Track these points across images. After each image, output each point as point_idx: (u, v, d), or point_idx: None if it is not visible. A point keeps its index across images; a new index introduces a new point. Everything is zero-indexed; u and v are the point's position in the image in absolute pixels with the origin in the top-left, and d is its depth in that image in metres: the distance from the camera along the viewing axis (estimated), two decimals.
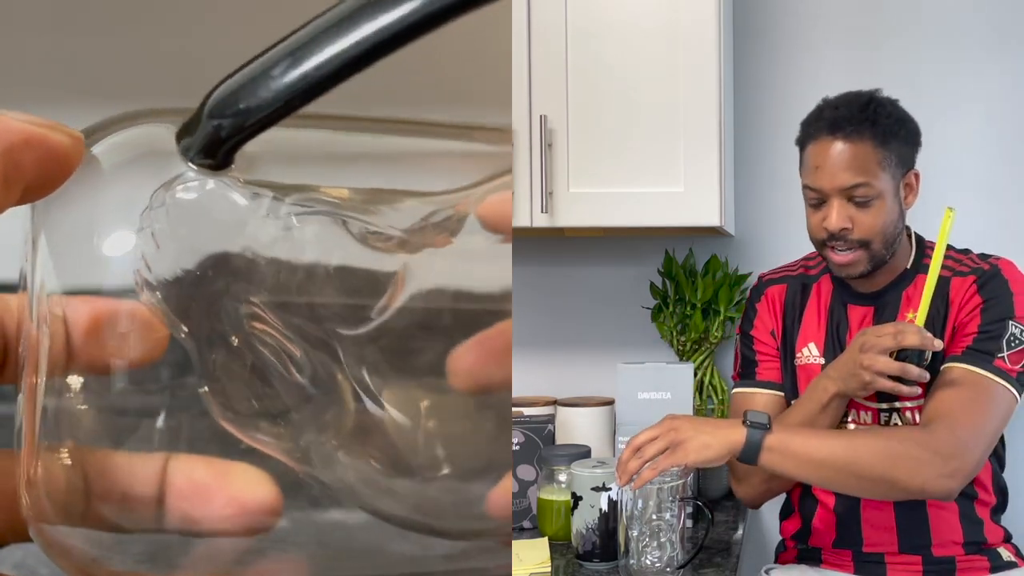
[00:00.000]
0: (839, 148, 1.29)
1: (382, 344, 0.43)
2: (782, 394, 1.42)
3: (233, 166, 0.41)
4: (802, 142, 1.36)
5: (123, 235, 0.41)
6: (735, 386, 1.47)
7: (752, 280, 1.77)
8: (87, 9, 1.28)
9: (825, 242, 1.32)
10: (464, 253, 0.44)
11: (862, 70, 1.76)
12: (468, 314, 0.43)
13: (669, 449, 1.18)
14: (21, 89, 1.72)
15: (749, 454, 1.19)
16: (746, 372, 1.45)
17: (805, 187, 1.34)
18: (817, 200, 1.32)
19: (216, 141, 0.40)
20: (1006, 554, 1.40)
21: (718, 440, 1.19)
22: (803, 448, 1.20)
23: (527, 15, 1.54)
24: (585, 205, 1.55)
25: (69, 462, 0.41)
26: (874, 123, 1.29)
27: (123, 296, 0.41)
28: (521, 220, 1.54)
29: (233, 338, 0.42)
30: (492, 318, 0.43)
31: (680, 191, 1.53)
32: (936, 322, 1.33)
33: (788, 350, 1.43)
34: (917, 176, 1.36)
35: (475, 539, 0.45)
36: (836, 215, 1.29)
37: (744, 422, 1.20)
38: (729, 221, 1.67)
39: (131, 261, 0.41)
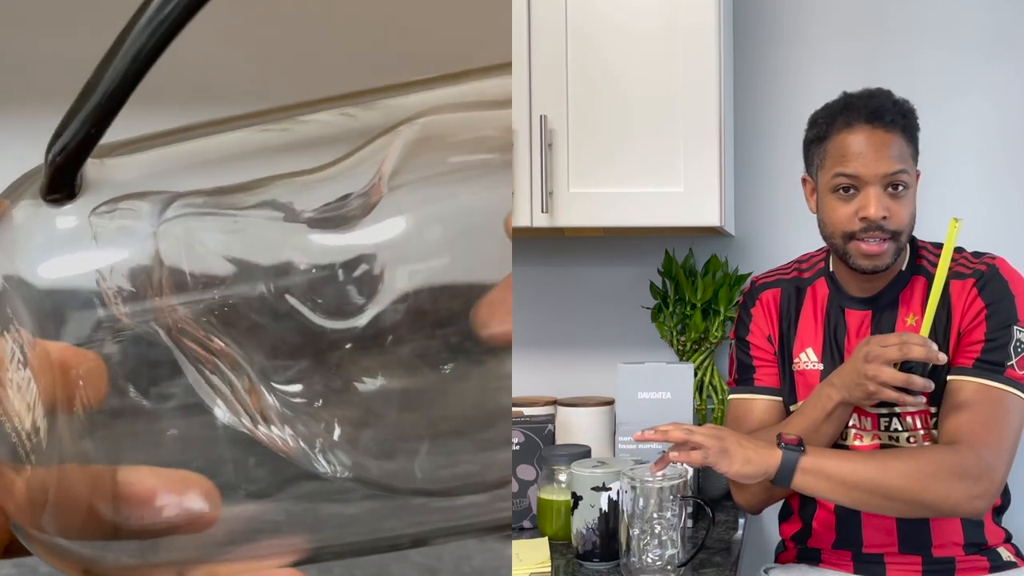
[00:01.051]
0: (880, 135, 1.29)
1: (362, 337, 0.45)
2: (780, 399, 1.42)
3: (80, 192, 0.46)
4: (826, 133, 1.34)
5: (54, 262, 0.46)
6: (732, 392, 1.47)
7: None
8: (90, 11, 1.29)
9: (855, 234, 1.31)
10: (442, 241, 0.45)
11: (862, 70, 1.77)
12: (453, 298, 0.45)
13: (716, 451, 1.19)
14: (25, 92, 1.72)
15: (784, 476, 1.21)
16: (743, 378, 1.45)
17: (838, 175, 1.31)
18: (848, 188, 1.30)
19: (54, 176, 0.46)
20: (1006, 554, 1.40)
21: (759, 457, 1.20)
22: (836, 471, 1.22)
23: (527, 15, 1.54)
24: (585, 205, 1.55)
25: (47, 479, 0.44)
26: (904, 116, 1.31)
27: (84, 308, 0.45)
28: (521, 220, 1.54)
29: (176, 343, 0.45)
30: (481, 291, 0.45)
31: (680, 191, 1.53)
32: (938, 326, 1.33)
33: (785, 355, 1.43)
34: (918, 176, 1.37)
35: (468, 495, 0.46)
36: (876, 203, 1.28)
37: (779, 444, 1.22)
38: (729, 221, 1.67)
39: (75, 286, 0.46)
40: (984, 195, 1.77)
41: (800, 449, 1.21)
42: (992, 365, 1.28)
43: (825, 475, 1.21)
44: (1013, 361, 1.28)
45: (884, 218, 1.29)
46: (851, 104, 1.33)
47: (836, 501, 1.28)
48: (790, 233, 1.79)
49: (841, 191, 1.31)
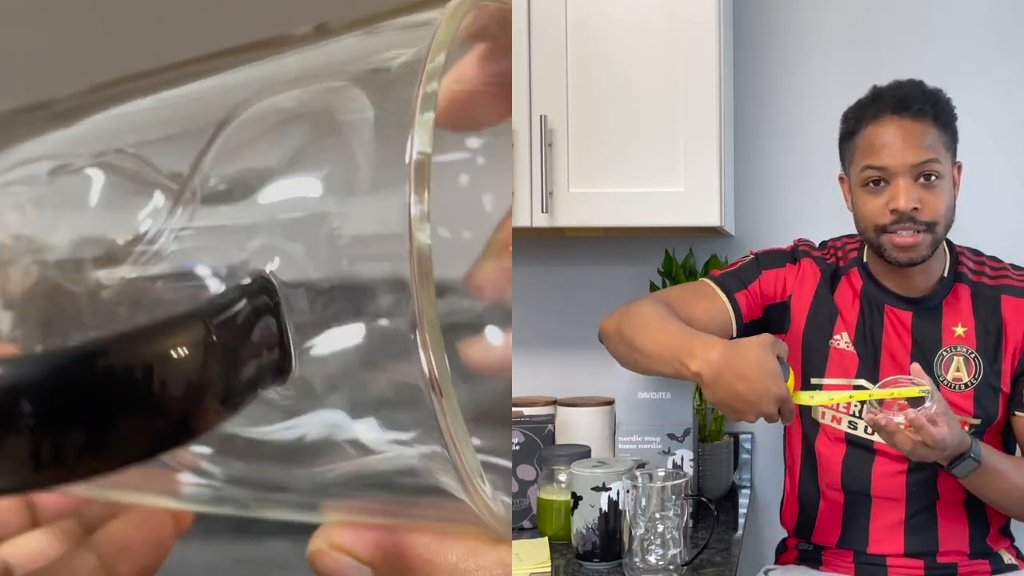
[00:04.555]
0: (908, 125, 1.28)
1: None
2: (733, 323, 1.37)
3: None
4: (855, 127, 1.33)
5: None
6: (709, 278, 1.42)
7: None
8: (78, 4, 1.28)
9: (887, 227, 1.29)
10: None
11: (863, 70, 1.76)
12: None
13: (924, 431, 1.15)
14: (18, 86, 1.71)
15: (963, 465, 1.22)
16: (727, 282, 1.40)
17: (867, 167, 1.30)
18: (878, 181, 1.29)
19: None
20: (1007, 556, 1.40)
21: (953, 439, 1.18)
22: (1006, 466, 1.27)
23: (527, 14, 1.54)
24: (585, 205, 1.55)
25: None
26: (935, 105, 1.30)
27: None
28: (521, 220, 1.54)
29: None
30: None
31: (680, 191, 1.53)
32: (988, 338, 1.33)
33: (820, 330, 1.39)
34: (960, 169, 1.35)
35: None
36: (905, 194, 1.27)
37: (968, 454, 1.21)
38: (729, 221, 1.67)
39: None
40: (989, 193, 1.77)
41: (978, 461, 1.22)
42: None
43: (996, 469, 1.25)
44: None
45: (915, 209, 1.27)
46: (879, 96, 1.32)
47: (991, 494, 1.30)
48: (790, 233, 1.78)
49: (871, 184, 1.30)
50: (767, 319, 1.40)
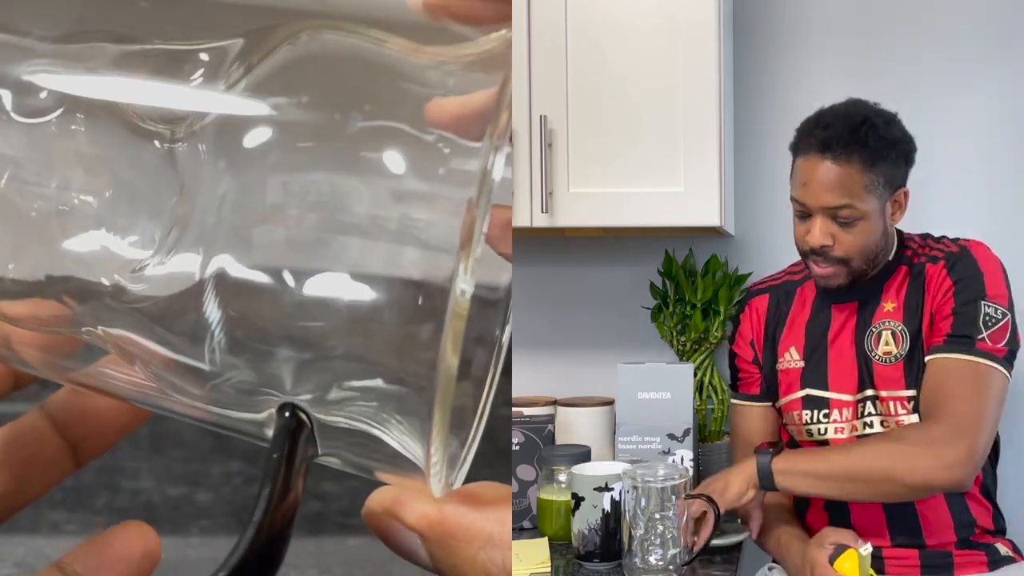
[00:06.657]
0: (827, 168, 1.30)
1: None
2: (762, 404, 1.48)
3: None
4: (794, 152, 1.37)
5: None
6: (731, 396, 1.54)
7: (753, 279, 1.77)
8: None
9: (807, 254, 1.36)
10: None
11: (862, 70, 1.76)
12: None
13: (704, 518, 1.26)
14: None
15: (765, 480, 1.27)
16: (732, 384, 1.53)
17: (792, 198, 1.36)
18: (803, 213, 1.34)
19: None
20: (1003, 549, 1.40)
21: (737, 476, 1.28)
22: (808, 465, 1.28)
23: (527, 15, 1.54)
24: (585, 205, 1.55)
25: None
26: (863, 146, 1.29)
27: None
28: (521, 220, 1.54)
29: None
30: None
31: (680, 191, 1.53)
32: (913, 310, 1.35)
33: (771, 356, 1.46)
34: (906, 194, 1.37)
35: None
36: (818, 232, 1.32)
37: (755, 451, 1.30)
38: (729, 221, 1.67)
39: None
40: (988, 192, 1.77)
41: (770, 452, 1.28)
42: (962, 338, 1.30)
43: (800, 471, 1.27)
44: (984, 334, 1.29)
45: (825, 246, 1.32)
46: (811, 130, 1.33)
47: (821, 495, 1.33)
48: (790, 233, 1.78)
49: (798, 213, 1.35)
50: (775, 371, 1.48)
